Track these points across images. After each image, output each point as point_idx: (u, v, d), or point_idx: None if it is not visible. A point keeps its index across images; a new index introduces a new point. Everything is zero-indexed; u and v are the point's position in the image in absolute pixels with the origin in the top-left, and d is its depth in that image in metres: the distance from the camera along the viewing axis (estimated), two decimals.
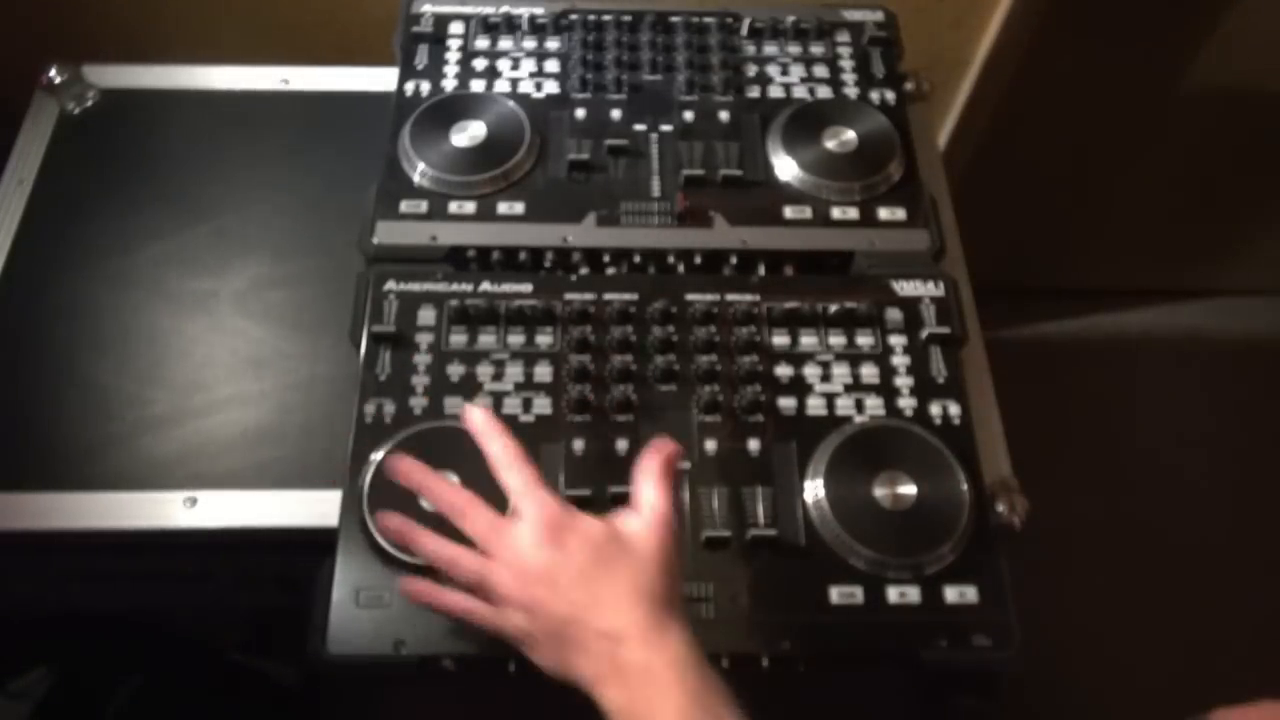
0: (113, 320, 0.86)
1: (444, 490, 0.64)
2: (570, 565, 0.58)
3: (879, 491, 0.72)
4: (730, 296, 0.81)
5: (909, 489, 0.72)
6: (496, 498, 0.70)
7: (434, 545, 0.62)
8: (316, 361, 0.84)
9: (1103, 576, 1.58)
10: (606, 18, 0.98)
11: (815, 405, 0.77)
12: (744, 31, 0.99)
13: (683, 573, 0.61)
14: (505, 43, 0.97)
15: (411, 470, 0.65)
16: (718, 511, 0.72)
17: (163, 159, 0.96)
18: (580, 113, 0.91)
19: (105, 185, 0.94)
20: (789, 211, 0.86)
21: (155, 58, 1.03)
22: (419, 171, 0.86)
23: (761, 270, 0.85)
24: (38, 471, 0.78)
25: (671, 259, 0.85)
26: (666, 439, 0.65)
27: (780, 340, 0.79)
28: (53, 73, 0.98)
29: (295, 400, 0.83)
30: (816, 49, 0.98)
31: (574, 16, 0.98)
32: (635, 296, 0.80)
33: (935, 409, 0.77)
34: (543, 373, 0.77)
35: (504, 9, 0.97)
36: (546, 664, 0.59)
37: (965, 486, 0.73)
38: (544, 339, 0.78)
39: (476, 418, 0.66)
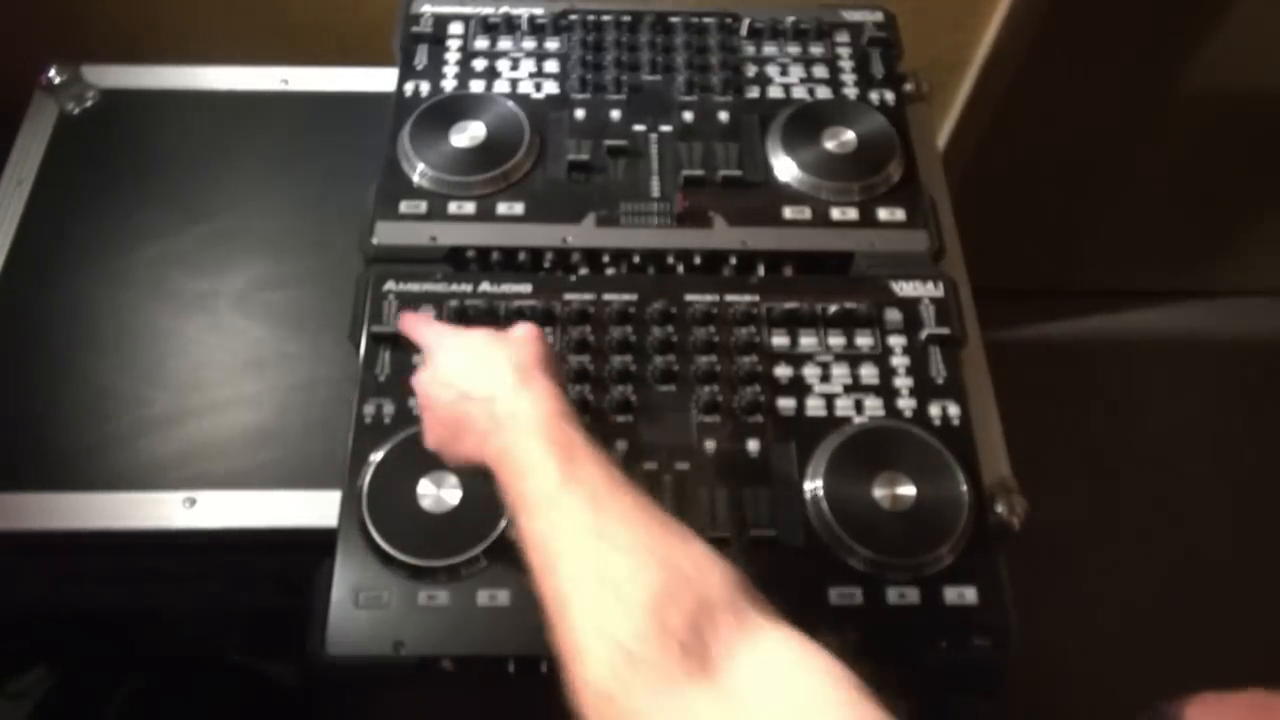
0: (113, 320, 0.86)
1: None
2: (456, 359, 0.64)
3: (878, 492, 0.72)
4: (730, 297, 0.81)
5: (908, 490, 0.72)
6: (497, 497, 0.70)
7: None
8: (316, 362, 0.84)
9: (1102, 577, 1.58)
10: (606, 18, 0.98)
11: (815, 406, 0.77)
12: (743, 32, 0.99)
13: (557, 368, 0.64)
14: (505, 43, 0.97)
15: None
16: (717, 512, 0.72)
17: (163, 159, 0.96)
18: (580, 113, 0.91)
19: (105, 185, 0.94)
20: (788, 212, 0.86)
21: (155, 58, 1.03)
22: (419, 172, 0.86)
23: (761, 271, 0.85)
24: (38, 471, 0.78)
25: (671, 259, 0.85)
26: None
27: (780, 341, 0.79)
28: (52, 73, 0.98)
29: (295, 401, 0.83)
30: (816, 49, 0.98)
31: (573, 17, 0.98)
32: (634, 297, 0.80)
33: (934, 410, 0.77)
34: None
35: (503, 9, 0.97)
36: (449, 453, 0.65)
37: (964, 487, 0.73)
38: None
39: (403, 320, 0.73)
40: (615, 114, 0.92)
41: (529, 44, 0.97)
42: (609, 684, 0.47)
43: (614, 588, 0.50)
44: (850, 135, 0.90)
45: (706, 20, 0.99)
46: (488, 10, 0.98)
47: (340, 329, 0.80)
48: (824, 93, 0.95)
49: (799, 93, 0.94)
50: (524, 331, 0.65)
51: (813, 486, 0.73)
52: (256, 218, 0.93)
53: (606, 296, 0.80)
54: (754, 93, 0.94)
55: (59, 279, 0.88)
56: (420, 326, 0.70)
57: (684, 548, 0.53)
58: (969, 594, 0.69)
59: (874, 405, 0.77)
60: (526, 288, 0.81)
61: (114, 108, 0.99)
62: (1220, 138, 1.55)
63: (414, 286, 0.80)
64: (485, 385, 0.61)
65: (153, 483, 0.78)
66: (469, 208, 0.85)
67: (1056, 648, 1.26)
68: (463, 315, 0.79)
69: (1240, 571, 1.60)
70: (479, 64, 0.95)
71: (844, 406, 0.77)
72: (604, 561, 0.51)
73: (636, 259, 0.85)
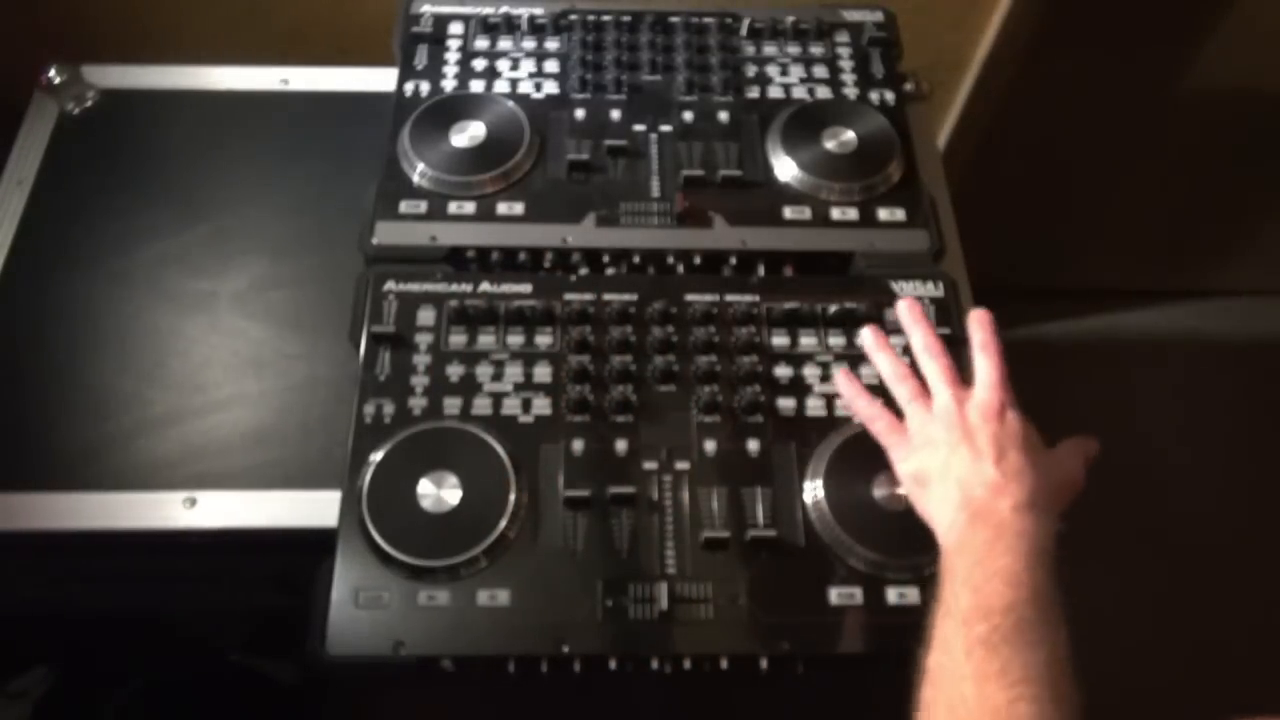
0: (113, 320, 0.86)
1: (926, 332, 0.72)
2: (1001, 430, 0.64)
3: (878, 492, 0.72)
4: (730, 297, 0.81)
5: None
6: (497, 497, 0.70)
7: (891, 359, 0.73)
8: (316, 362, 0.84)
9: (1102, 576, 1.57)
10: (606, 18, 0.98)
11: (815, 406, 0.77)
12: (743, 32, 0.99)
13: (1063, 509, 0.65)
14: (505, 43, 0.97)
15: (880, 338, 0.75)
16: (717, 512, 0.72)
17: (163, 159, 0.97)
18: (580, 113, 0.91)
19: (105, 185, 0.94)
20: (788, 212, 0.86)
21: (155, 58, 1.03)
22: (419, 172, 0.86)
23: (761, 271, 0.85)
24: (38, 471, 0.78)
25: (671, 259, 0.85)
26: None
27: (780, 341, 0.79)
28: (53, 73, 0.98)
29: (295, 401, 0.83)
30: (816, 49, 0.98)
31: (573, 17, 0.98)
32: (635, 297, 0.80)
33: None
34: (542, 373, 0.77)
35: (503, 9, 0.97)
36: (910, 471, 0.67)
37: None
38: (543, 339, 0.79)
39: (901, 308, 0.75)
40: (615, 114, 0.92)
41: (529, 44, 0.97)
42: None
43: None
44: (850, 135, 0.90)
45: (706, 20, 0.99)
46: (488, 10, 0.98)
47: (340, 329, 0.80)
48: (824, 93, 0.95)
49: (799, 93, 0.94)
50: (1062, 453, 0.66)
51: (813, 486, 0.73)
52: (256, 218, 0.93)
53: (606, 296, 0.80)
54: (754, 93, 0.94)
55: (59, 279, 0.88)
56: (933, 358, 0.70)
57: None
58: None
59: None
60: (526, 288, 0.81)
61: (114, 108, 0.99)
62: (1220, 138, 1.55)
63: (414, 286, 0.80)
64: (1004, 474, 0.62)
65: (153, 483, 0.78)
66: (469, 208, 0.85)
67: None
68: (463, 315, 0.79)
69: (1240, 571, 1.60)
70: (479, 64, 0.95)
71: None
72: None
73: (636, 259, 0.85)
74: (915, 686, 0.57)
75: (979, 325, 0.70)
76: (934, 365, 0.69)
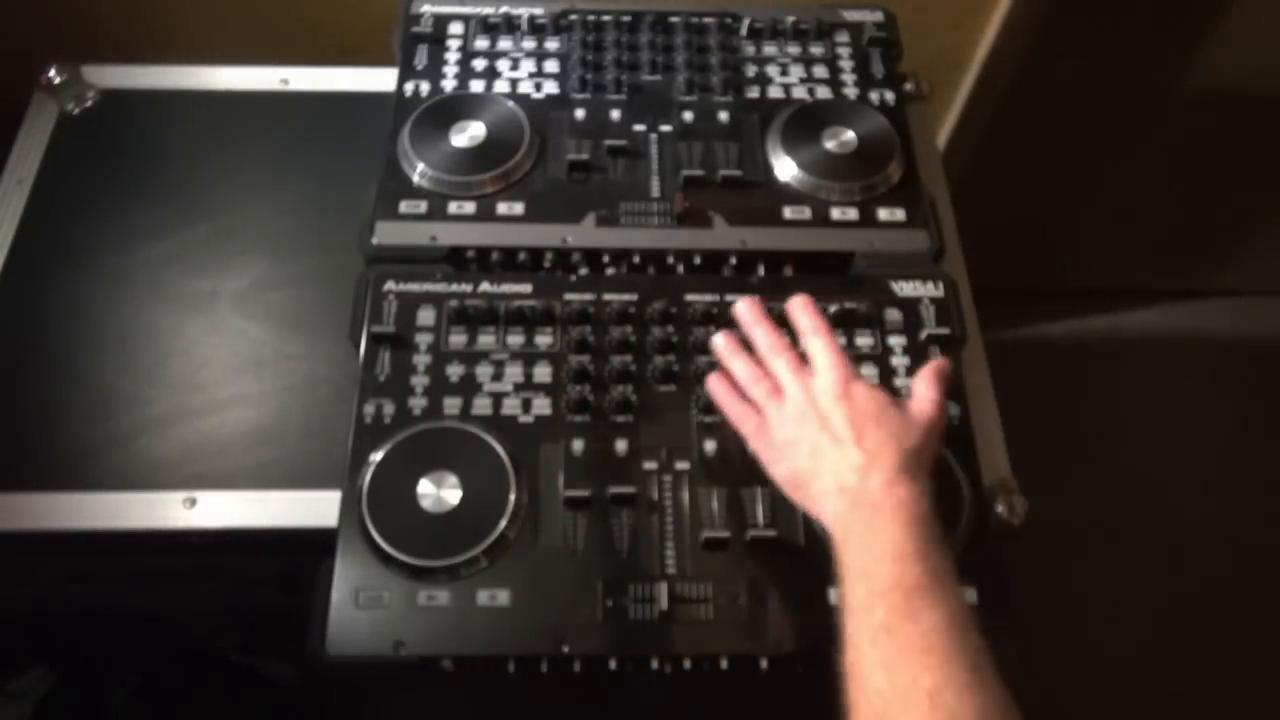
0: (113, 320, 0.86)
1: (767, 331, 0.71)
2: (851, 408, 0.64)
3: None
4: (730, 297, 0.81)
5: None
6: (497, 497, 0.70)
7: (744, 362, 0.71)
8: (316, 362, 0.84)
9: (1102, 576, 1.58)
10: (606, 18, 0.98)
11: None
12: (743, 32, 0.99)
13: (933, 460, 0.65)
14: (505, 43, 0.97)
15: (754, 311, 0.72)
16: (717, 512, 0.72)
17: (163, 159, 0.96)
18: (580, 113, 0.91)
19: (105, 185, 0.94)
20: (788, 212, 0.86)
21: (155, 58, 1.03)
22: (419, 172, 0.86)
23: (761, 271, 0.85)
24: (38, 471, 0.78)
25: (671, 259, 0.85)
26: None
27: None
28: (53, 73, 0.98)
29: (295, 401, 0.83)
30: (816, 49, 0.98)
31: (573, 17, 0.98)
32: (635, 297, 0.80)
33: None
34: (542, 373, 0.77)
35: (503, 9, 0.97)
36: (784, 477, 0.67)
37: (964, 487, 0.73)
38: (543, 339, 0.79)
39: (739, 309, 0.73)
40: (615, 114, 0.92)
41: (529, 44, 0.97)
42: None
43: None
44: (850, 135, 0.90)
45: (706, 20, 0.99)
46: (488, 10, 0.98)
47: (340, 329, 0.80)
48: (824, 93, 0.95)
49: (799, 93, 0.94)
50: (921, 408, 0.66)
51: None
52: (256, 218, 0.93)
53: (606, 296, 0.80)
54: (754, 93, 0.94)
55: (59, 279, 0.88)
56: (775, 357, 0.70)
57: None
58: (969, 594, 0.69)
59: None
60: (526, 288, 0.81)
61: (114, 108, 0.99)
62: (1220, 138, 1.55)
63: (414, 286, 0.80)
64: (867, 450, 0.62)
65: (153, 483, 0.78)
66: (469, 208, 0.85)
67: (1055, 647, 1.26)
68: (463, 315, 0.79)
69: (1239, 571, 1.60)
70: (479, 64, 0.95)
71: None
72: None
73: (636, 259, 0.85)
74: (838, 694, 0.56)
75: (801, 311, 0.70)
76: (779, 361, 0.69)
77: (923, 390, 0.67)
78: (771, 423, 0.68)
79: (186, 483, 0.78)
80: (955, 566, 0.58)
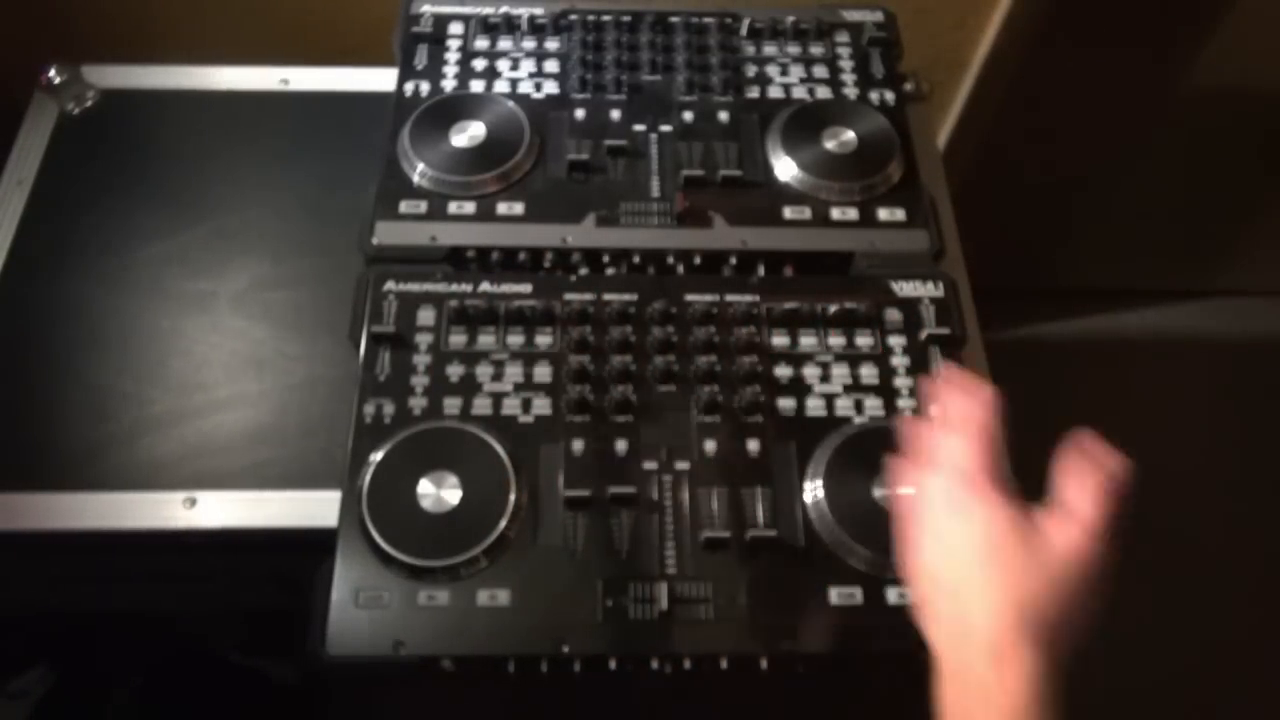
0: (113, 320, 0.86)
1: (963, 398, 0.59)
2: (959, 534, 0.53)
3: (879, 492, 0.72)
4: (729, 297, 0.81)
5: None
6: (497, 497, 0.70)
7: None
8: (316, 362, 0.84)
9: None
10: (606, 18, 0.98)
11: (814, 406, 0.77)
12: (743, 32, 0.99)
13: (1092, 612, 0.53)
14: (505, 43, 0.97)
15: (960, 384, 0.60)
16: (717, 512, 0.72)
17: (163, 159, 0.97)
18: (580, 113, 0.91)
19: (105, 185, 0.94)
20: (788, 212, 0.86)
21: (155, 58, 1.03)
22: (419, 172, 0.86)
23: (761, 271, 0.85)
24: (38, 471, 0.78)
25: (671, 259, 0.85)
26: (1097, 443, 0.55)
27: (780, 341, 0.79)
28: (53, 73, 0.98)
29: (295, 400, 0.83)
30: (816, 49, 0.98)
31: (573, 17, 0.98)
32: (635, 297, 0.80)
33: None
34: (542, 373, 0.77)
35: (503, 9, 0.97)
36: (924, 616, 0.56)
37: None
38: (543, 339, 0.79)
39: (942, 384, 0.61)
40: (615, 114, 0.92)
41: (529, 44, 0.97)
42: None
43: None
44: (850, 135, 0.90)
45: (706, 20, 0.99)
46: (488, 10, 0.98)
47: (340, 329, 0.80)
48: (824, 93, 0.94)
49: (799, 93, 0.94)
50: (1064, 540, 0.52)
51: (813, 486, 0.73)
52: (256, 218, 0.93)
53: (606, 296, 0.80)
54: (754, 93, 0.94)
55: (59, 279, 0.88)
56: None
57: None
58: None
59: (874, 405, 0.77)
60: (526, 288, 0.81)
61: (114, 108, 0.99)
62: (1220, 138, 1.55)
63: (414, 286, 0.80)
64: (968, 607, 0.50)
65: (153, 483, 0.78)
66: (469, 208, 0.85)
67: None
68: (463, 315, 0.79)
69: (1241, 570, 1.60)
70: (479, 64, 0.95)
71: (844, 406, 0.77)
72: None
73: (636, 259, 0.85)
74: (915, 686, 0.52)
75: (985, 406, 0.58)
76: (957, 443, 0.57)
77: (1079, 500, 0.53)
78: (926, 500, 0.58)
79: (187, 483, 0.78)
80: None
